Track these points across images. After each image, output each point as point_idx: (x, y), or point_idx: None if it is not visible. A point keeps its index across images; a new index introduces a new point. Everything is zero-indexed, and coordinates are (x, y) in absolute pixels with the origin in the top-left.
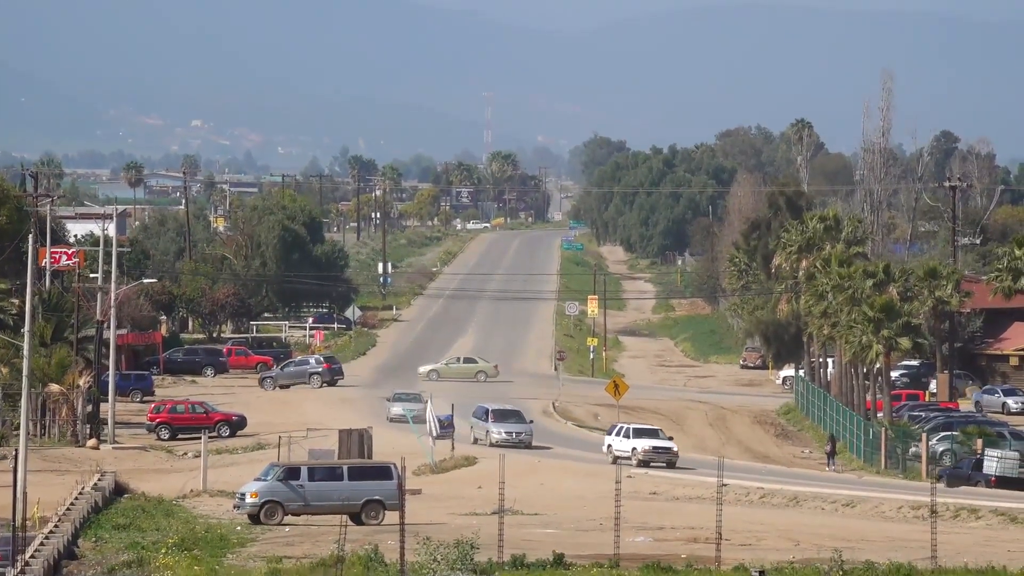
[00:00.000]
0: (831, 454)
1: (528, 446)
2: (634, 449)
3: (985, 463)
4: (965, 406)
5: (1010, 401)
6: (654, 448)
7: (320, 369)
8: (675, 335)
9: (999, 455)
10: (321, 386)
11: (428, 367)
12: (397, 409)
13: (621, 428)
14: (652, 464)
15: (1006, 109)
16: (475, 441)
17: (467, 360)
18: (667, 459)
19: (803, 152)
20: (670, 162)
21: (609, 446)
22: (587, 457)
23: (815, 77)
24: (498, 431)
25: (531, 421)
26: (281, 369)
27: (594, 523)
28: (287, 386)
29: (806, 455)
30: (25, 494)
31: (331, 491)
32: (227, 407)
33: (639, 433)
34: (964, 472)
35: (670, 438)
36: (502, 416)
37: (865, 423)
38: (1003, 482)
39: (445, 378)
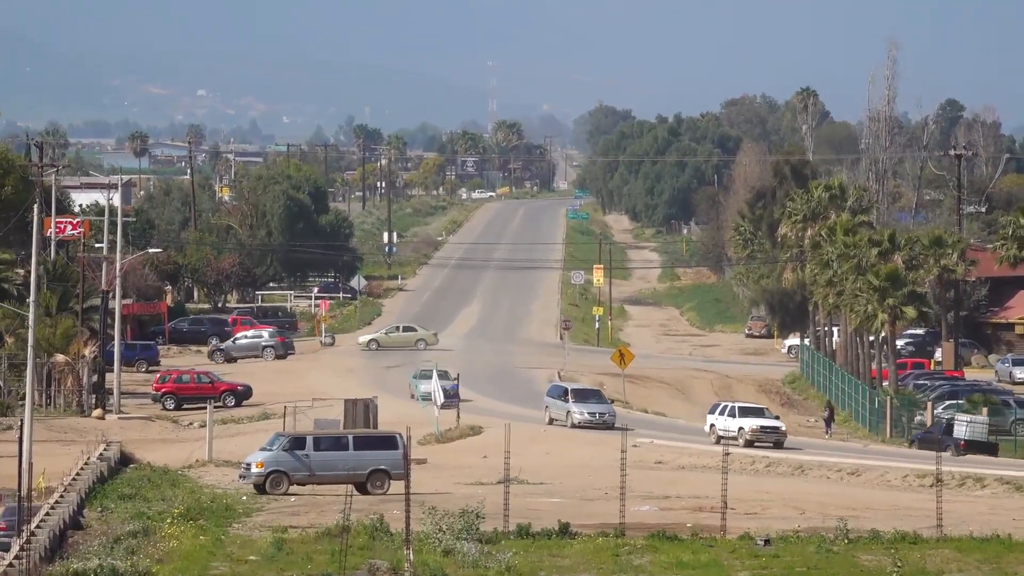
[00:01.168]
0: (829, 420)
1: (611, 427)
2: (741, 429)
3: (955, 427)
4: (982, 375)
5: (1017, 371)
6: (762, 428)
7: (273, 343)
8: (680, 304)
9: (968, 419)
10: (274, 359)
11: (367, 337)
12: (426, 387)
13: (726, 407)
14: (757, 444)
15: (1012, 77)
16: (551, 422)
17: (407, 328)
18: (775, 439)
19: (808, 121)
20: (675, 131)
21: (712, 426)
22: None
23: (820, 46)
24: (580, 412)
25: (612, 401)
26: (233, 342)
27: (599, 492)
28: (235, 359)
29: (812, 424)
30: (31, 464)
31: (336, 461)
32: (232, 377)
33: (746, 412)
34: (935, 436)
35: (776, 416)
36: (582, 396)
37: (870, 392)
38: (972, 446)
39: (385, 347)
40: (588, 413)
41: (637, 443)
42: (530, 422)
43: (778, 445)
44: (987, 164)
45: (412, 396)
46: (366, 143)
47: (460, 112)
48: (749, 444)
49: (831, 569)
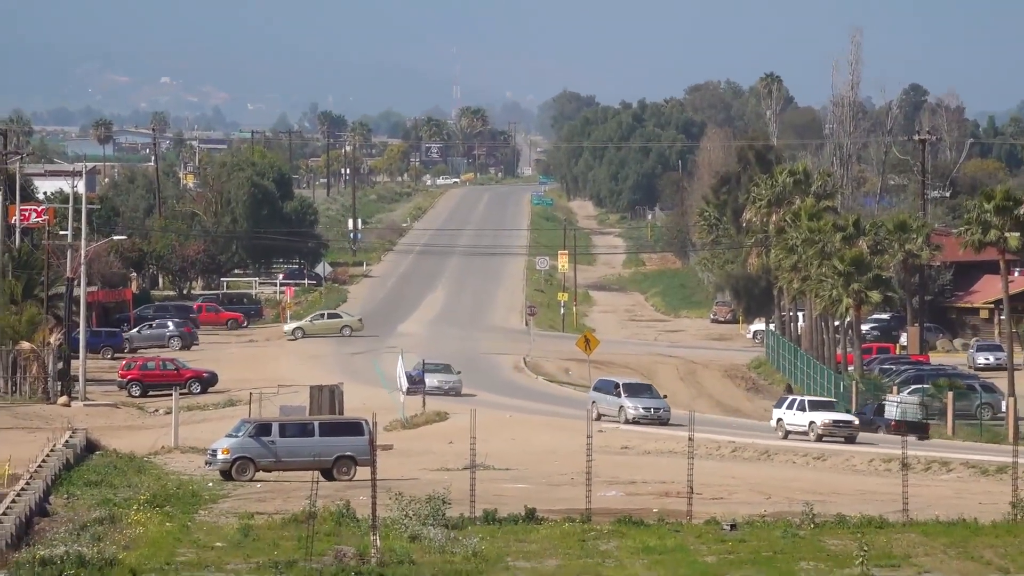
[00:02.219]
0: None
1: (665, 423)
2: (812, 423)
3: (887, 408)
4: (947, 359)
5: (979, 357)
6: (834, 422)
7: (179, 332)
8: (645, 289)
9: (899, 400)
10: (180, 349)
11: (292, 325)
12: (431, 381)
13: (794, 400)
14: (826, 439)
15: (975, 62)
16: (599, 417)
17: (331, 315)
18: (848, 433)
19: (772, 106)
20: (639, 117)
21: (779, 420)
22: (558, 411)
23: (784, 31)
24: (634, 407)
25: (665, 396)
26: (138, 332)
27: (565, 477)
28: (136, 349)
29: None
30: None
31: (302, 447)
32: (198, 364)
33: (816, 406)
34: (867, 417)
35: (847, 410)
36: (635, 390)
37: (836, 376)
38: (903, 426)
39: (310, 335)
40: (643, 408)
41: (603, 428)
42: (496, 408)
43: (850, 440)
44: (951, 149)
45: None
46: (330, 130)
47: (424, 99)
48: (820, 439)
49: (797, 553)
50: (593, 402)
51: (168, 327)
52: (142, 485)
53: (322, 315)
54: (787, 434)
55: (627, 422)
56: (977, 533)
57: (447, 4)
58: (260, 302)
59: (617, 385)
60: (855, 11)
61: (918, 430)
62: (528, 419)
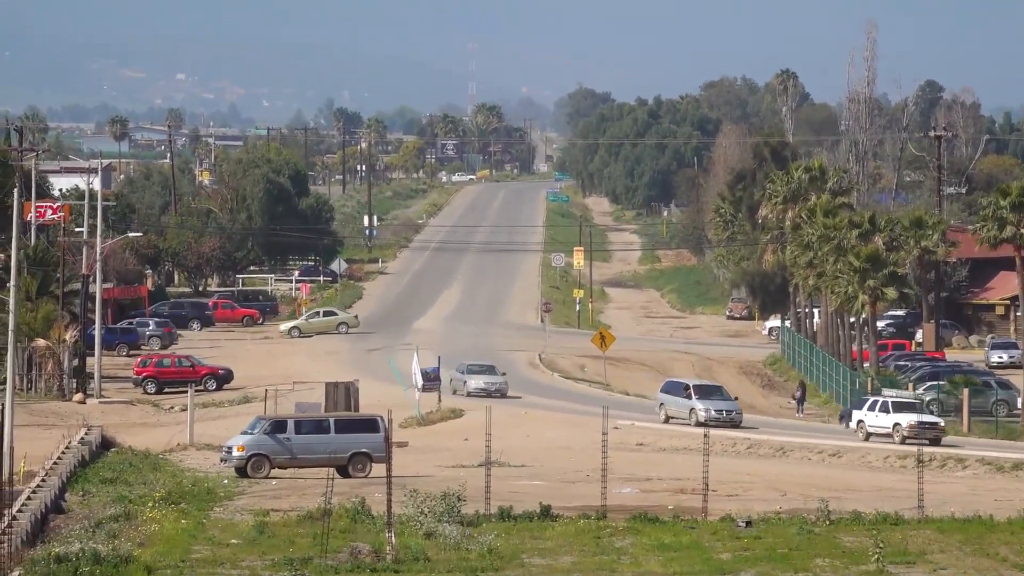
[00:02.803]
0: (801, 400)
1: (738, 425)
2: (896, 425)
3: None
4: (963, 356)
5: (993, 355)
6: (920, 424)
7: (160, 332)
8: (661, 286)
9: (894, 397)
10: (159, 349)
11: (289, 324)
12: (476, 383)
13: (876, 401)
14: (910, 441)
15: (991, 57)
16: (667, 420)
17: (327, 313)
18: (933, 435)
19: (788, 103)
20: (655, 113)
21: (860, 422)
22: (573, 408)
23: (799, 27)
24: (706, 409)
25: (736, 398)
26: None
27: (580, 474)
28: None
29: (793, 405)
30: (12, 449)
31: (318, 444)
32: (213, 360)
33: (900, 407)
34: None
35: (932, 411)
36: (706, 392)
37: (851, 373)
38: None
39: (307, 333)
40: (715, 411)
41: (618, 425)
42: (511, 405)
43: (935, 442)
44: (967, 145)
45: (466, 393)
46: (346, 126)
47: (440, 95)
48: (904, 441)
49: (812, 550)
50: (661, 404)
51: (149, 326)
52: (157, 482)
53: (318, 313)
54: (868, 436)
55: (698, 424)
56: (992, 530)
57: (463, 0)
58: (275, 299)
59: (687, 387)
60: (871, 6)
61: None
62: (543, 416)
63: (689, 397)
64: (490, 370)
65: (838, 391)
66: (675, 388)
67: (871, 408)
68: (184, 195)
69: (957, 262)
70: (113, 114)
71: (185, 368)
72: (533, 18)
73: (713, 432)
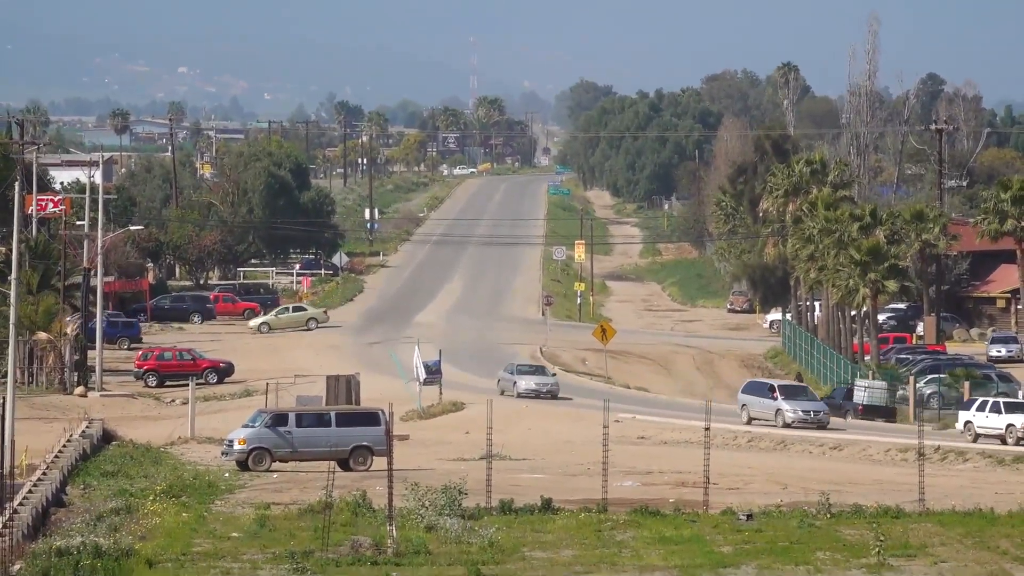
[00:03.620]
0: None
1: (825, 427)
2: (1010, 426)
3: (855, 393)
4: (964, 349)
5: (992, 349)
6: None
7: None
8: (662, 279)
9: (867, 385)
10: (127, 349)
11: (259, 320)
12: (527, 384)
13: (986, 402)
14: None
15: (992, 51)
16: (750, 421)
17: (296, 308)
18: None
19: (789, 96)
20: (656, 106)
21: (967, 423)
22: (574, 402)
23: (801, 20)
24: (793, 410)
25: (822, 398)
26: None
27: (582, 468)
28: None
29: None
30: (13, 442)
31: (319, 437)
32: (214, 354)
33: (1013, 407)
34: (837, 402)
35: None
36: (792, 392)
37: (852, 366)
38: (869, 410)
39: (276, 329)
40: (803, 411)
41: (619, 419)
42: (512, 398)
43: None
44: (968, 138)
45: (516, 395)
46: (347, 120)
47: (441, 89)
48: (1019, 442)
49: (813, 543)
50: (743, 405)
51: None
52: (158, 475)
53: (287, 309)
54: (977, 437)
55: (785, 426)
56: (993, 523)
57: None
58: (277, 292)
59: (773, 387)
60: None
61: (884, 414)
62: (544, 409)
63: (775, 398)
64: (540, 371)
65: (841, 384)
66: (758, 389)
67: (980, 408)
68: (185, 188)
69: (958, 255)
70: (115, 108)
71: (186, 361)
72: (535, 12)
73: (715, 426)
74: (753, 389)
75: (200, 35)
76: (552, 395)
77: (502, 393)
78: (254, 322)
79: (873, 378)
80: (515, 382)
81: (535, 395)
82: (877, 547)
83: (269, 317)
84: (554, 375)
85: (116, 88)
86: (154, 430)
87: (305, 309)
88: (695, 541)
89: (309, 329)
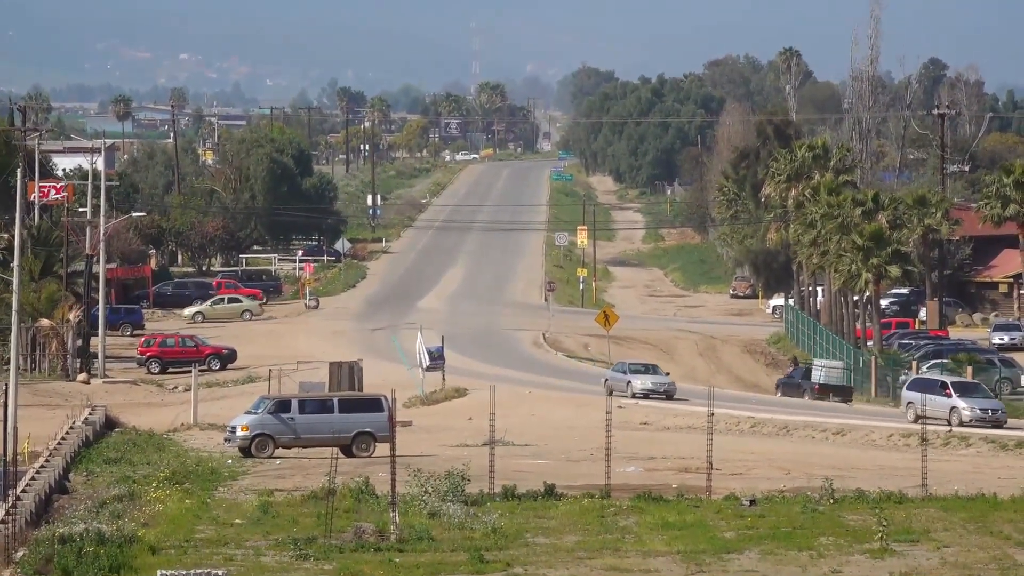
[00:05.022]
0: None
1: (1002, 426)
2: (953, 409)
3: (812, 372)
4: (966, 334)
5: (995, 336)
6: None
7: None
8: (665, 265)
9: (824, 365)
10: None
11: (192, 309)
12: (644, 383)
13: (932, 382)
14: None
15: (995, 36)
16: (916, 420)
17: (232, 300)
18: None
19: (791, 81)
20: (659, 92)
21: (910, 403)
22: (577, 387)
23: (803, 5)
24: (970, 409)
25: (998, 396)
26: None
27: (585, 453)
28: None
29: None
30: (16, 429)
31: (322, 423)
32: (217, 340)
33: (962, 388)
34: (795, 381)
35: None
36: (967, 390)
37: (855, 351)
38: (825, 389)
39: (210, 319)
40: (980, 410)
41: (622, 404)
42: (515, 384)
43: None
44: (970, 123)
45: (632, 395)
46: (349, 106)
47: (443, 74)
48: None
49: (816, 529)
50: (909, 403)
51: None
52: (161, 462)
53: (222, 299)
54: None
55: (961, 424)
56: (996, 508)
57: None
58: (279, 279)
59: (946, 385)
60: None
61: (841, 394)
62: (547, 395)
63: (949, 395)
64: (653, 369)
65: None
66: (928, 386)
67: (917, 389)
68: (187, 175)
69: (960, 240)
70: (117, 94)
71: (189, 348)
72: None
73: (718, 411)
74: (922, 386)
75: (202, 21)
76: (668, 395)
77: (610, 394)
78: (188, 311)
79: (877, 363)
80: (629, 381)
81: (652, 395)
82: (880, 532)
83: (204, 307)
84: (667, 373)
85: (118, 74)
86: (157, 417)
87: (240, 301)
88: (698, 526)
89: (244, 320)
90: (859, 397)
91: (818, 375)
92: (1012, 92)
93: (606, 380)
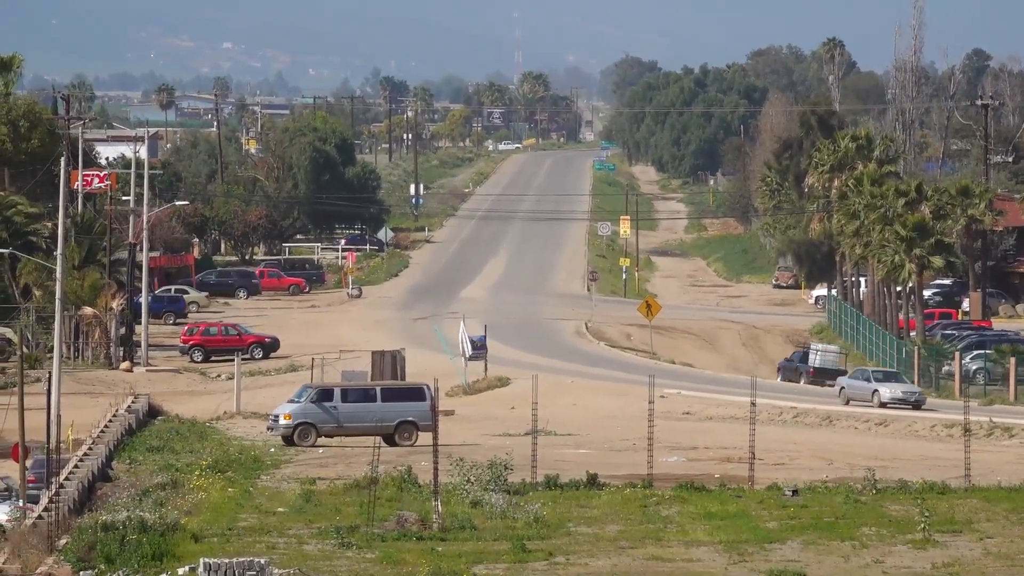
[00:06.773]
0: None
1: (920, 407)
2: (875, 392)
3: (809, 357)
4: (1010, 325)
5: None
6: None
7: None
8: (707, 255)
9: (821, 349)
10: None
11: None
12: (894, 392)
13: (863, 370)
14: None
15: None
16: (847, 403)
17: (179, 291)
18: None
19: (835, 71)
20: (701, 82)
21: (841, 388)
22: (619, 377)
23: None
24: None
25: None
26: None
27: (627, 443)
28: None
29: None
30: (59, 417)
31: (364, 412)
32: (260, 329)
33: (883, 376)
34: (793, 365)
35: None
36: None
37: (898, 342)
38: (820, 373)
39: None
40: (901, 392)
41: (664, 394)
42: (557, 373)
43: None
44: (1014, 114)
45: (880, 403)
46: (392, 95)
47: (486, 64)
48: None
49: (859, 519)
50: (841, 388)
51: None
52: (204, 450)
53: (169, 291)
54: (848, 401)
55: (881, 405)
56: None
57: None
58: (322, 267)
59: (868, 373)
60: None
61: (835, 377)
62: (589, 384)
63: (869, 381)
64: (896, 376)
65: (885, 360)
66: (858, 375)
67: (853, 376)
68: (230, 164)
69: (1004, 231)
70: (160, 83)
71: (232, 336)
72: None
73: (760, 401)
74: (855, 375)
75: (244, 10)
76: (918, 405)
77: (847, 403)
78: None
79: (920, 354)
80: (876, 390)
81: (900, 403)
82: (923, 523)
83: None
84: (912, 381)
85: (160, 63)
86: (200, 405)
87: (187, 292)
88: (740, 516)
89: (191, 311)
90: None
91: (814, 359)
92: None
93: (842, 388)
